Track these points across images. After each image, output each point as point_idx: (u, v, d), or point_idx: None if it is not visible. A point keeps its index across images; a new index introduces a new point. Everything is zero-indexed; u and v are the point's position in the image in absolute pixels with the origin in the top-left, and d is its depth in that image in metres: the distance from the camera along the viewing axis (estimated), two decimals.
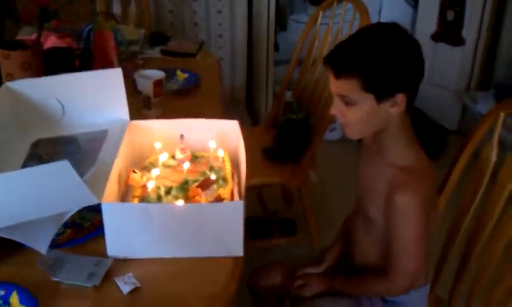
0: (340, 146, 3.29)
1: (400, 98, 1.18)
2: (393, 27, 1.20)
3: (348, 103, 1.20)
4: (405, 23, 1.30)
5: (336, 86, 1.20)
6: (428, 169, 1.27)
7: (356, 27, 2.03)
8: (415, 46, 1.20)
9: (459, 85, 3.41)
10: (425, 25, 3.39)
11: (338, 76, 1.19)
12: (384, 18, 3.69)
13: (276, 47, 3.41)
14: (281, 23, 3.49)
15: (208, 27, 3.34)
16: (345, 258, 1.48)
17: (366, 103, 1.18)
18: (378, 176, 1.28)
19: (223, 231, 1.11)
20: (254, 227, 2.42)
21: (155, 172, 1.26)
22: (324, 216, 2.50)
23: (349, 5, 2.15)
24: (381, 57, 1.16)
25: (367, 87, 1.16)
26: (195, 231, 1.10)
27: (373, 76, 1.16)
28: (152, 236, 1.09)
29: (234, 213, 1.09)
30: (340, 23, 2.18)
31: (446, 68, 3.38)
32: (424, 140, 1.30)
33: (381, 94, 1.17)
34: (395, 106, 1.19)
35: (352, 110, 1.20)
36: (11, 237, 1.07)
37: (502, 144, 1.37)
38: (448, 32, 3.36)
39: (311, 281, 1.44)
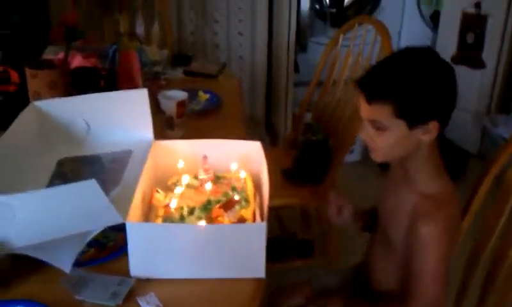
0: (358, 168, 3.29)
1: (433, 125, 1.16)
2: (427, 51, 1.19)
3: (379, 128, 1.18)
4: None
5: (367, 110, 1.19)
6: (453, 198, 1.25)
7: (377, 49, 2.05)
8: (449, 72, 1.18)
9: (480, 108, 3.39)
10: (445, 48, 3.39)
11: (370, 101, 1.17)
12: (404, 40, 3.69)
13: (296, 69, 3.43)
14: (301, 44, 3.51)
15: (229, 49, 3.37)
16: (364, 284, 1.47)
17: (397, 129, 1.17)
18: (402, 202, 1.27)
19: (246, 253, 1.11)
20: (272, 248, 2.41)
21: (178, 190, 1.27)
22: (343, 238, 2.49)
23: (370, 27, 2.16)
24: (415, 83, 1.14)
25: (400, 114, 1.15)
26: (218, 252, 1.10)
27: (406, 103, 1.14)
28: (174, 256, 1.10)
29: (257, 234, 1.09)
30: (361, 46, 2.19)
31: (466, 90, 3.35)
32: (444, 163, 1.29)
33: (414, 121, 1.16)
34: (427, 133, 1.17)
35: (383, 136, 1.19)
36: (35, 256, 1.08)
37: None
38: (469, 55, 3.35)
39: (330, 302, 1.43)
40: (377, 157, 1.25)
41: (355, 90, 1.22)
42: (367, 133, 1.22)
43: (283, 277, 1.90)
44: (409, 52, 1.22)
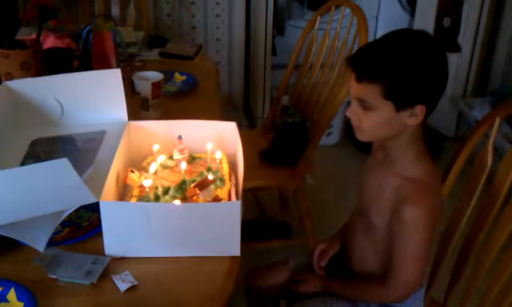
0: (336, 151, 3.32)
1: (420, 109, 1.17)
2: (421, 35, 1.19)
3: (366, 107, 1.18)
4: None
5: (356, 88, 1.19)
6: (436, 181, 1.26)
7: (353, 33, 2.06)
8: (442, 58, 1.19)
9: (455, 91, 3.43)
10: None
11: (359, 80, 1.17)
12: (381, 24, 3.71)
13: (274, 51, 3.43)
14: (278, 27, 3.51)
15: (206, 31, 3.36)
16: (342, 261, 1.49)
17: (384, 110, 1.17)
18: (384, 184, 1.27)
19: (220, 231, 1.11)
20: (250, 229, 2.42)
21: (152, 168, 1.27)
22: (320, 220, 2.51)
23: (347, 10, 2.16)
24: (406, 66, 1.14)
25: (388, 95, 1.15)
26: (192, 231, 1.10)
27: (396, 84, 1.14)
28: (149, 235, 1.10)
29: (231, 213, 1.10)
30: (337, 29, 2.19)
31: None
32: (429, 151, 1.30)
33: (401, 103, 1.16)
34: (414, 117, 1.18)
35: (369, 115, 1.19)
36: (8, 235, 1.07)
37: (496, 151, 1.38)
38: (445, 39, 3.38)
39: (308, 279, 1.44)
40: (362, 136, 1.25)
41: (347, 67, 1.22)
42: (353, 112, 1.22)
43: (262, 258, 1.91)
44: (404, 34, 1.22)
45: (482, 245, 1.34)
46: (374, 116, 1.19)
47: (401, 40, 1.19)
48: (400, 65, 1.15)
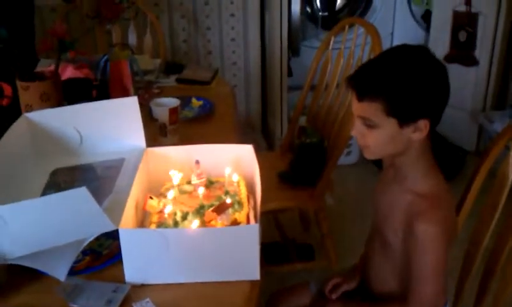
0: (356, 170, 3.30)
1: (424, 124, 1.16)
2: (420, 50, 1.19)
3: (369, 125, 1.18)
4: None
5: (358, 107, 1.19)
6: (446, 194, 1.25)
7: (367, 51, 2.06)
8: (442, 71, 1.18)
9: (475, 105, 3.40)
10: (438, 47, 3.40)
11: (361, 98, 1.17)
12: (396, 41, 3.71)
13: (290, 73, 3.44)
14: (293, 49, 3.52)
15: (222, 55, 3.39)
16: (363, 283, 1.47)
17: (388, 127, 1.17)
18: (396, 202, 1.26)
19: (239, 255, 1.11)
20: (272, 253, 2.41)
21: (170, 195, 1.28)
22: (342, 240, 2.49)
23: (361, 29, 2.17)
24: (406, 82, 1.14)
25: (390, 112, 1.15)
26: (211, 256, 1.10)
27: (397, 101, 1.14)
28: (169, 261, 1.10)
29: (250, 236, 1.09)
30: (352, 48, 2.19)
31: (461, 88, 3.37)
32: (441, 162, 1.29)
33: (404, 119, 1.16)
34: (418, 131, 1.17)
35: (373, 133, 1.19)
36: (30, 265, 1.08)
37: None
38: (462, 53, 3.36)
39: (328, 304, 1.43)
40: (368, 154, 1.25)
41: (347, 87, 1.22)
42: (358, 131, 1.22)
43: (285, 280, 1.90)
44: (401, 49, 1.21)
45: (507, 261, 1.31)
46: (378, 134, 1.19)
47: (400, 56, 1.19)
48: (400, 81, 1.14)
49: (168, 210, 1.22)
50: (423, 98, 1.15)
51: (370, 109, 1.16)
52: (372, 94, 1.15)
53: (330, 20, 3.63)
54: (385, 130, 1.18)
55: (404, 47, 1.21)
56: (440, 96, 1.18)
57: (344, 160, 2.87)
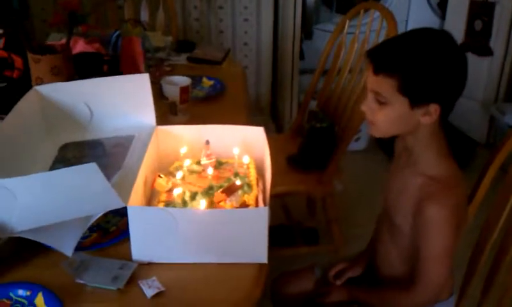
0: (365, 156, 3.28)
1: (434, 108, 1.16)
2: (444, 35, 1.18)
3: (381, 101, 1.18)
4: None
5: (373, 81, 1.19)
6: (459, 181, 1.24)
7: (382, 36, 2.03)
8: (462, 60, 1.17)
9: (487, 96, 3.36)
10: (453, 35, 3.35)
11: (377, 72, 1.17)
12: (411, 28, 3.66)
13: (302, 56, 3.41)
14: (306, 32, 3.49)
15: (234, 35, 3.36)
16: (370, 268, 1.46)
17: (398, 105, 1.17)
18: (408, 184, 1.26)
19: (248, 237, 1.10)
20: (277, 235, 2.41)
21: (179, 174, 1.27)
22: (348, 226, 2.48)
23: (376, 14, 2.13)
24: (424, 63, 1.14)
25: (404, 90, 1.15)
26: (220, 237, 1.09)
27: (412, 79, 1.14)
28: (176, 241, 1.09)
29: (259, 219, 1.08)
30: (367, 32, 2.16)
31: (474, 79, 3.28)
32: (451, 150, 1.28)
33: (416, 100, 1.16)
34: (427, 115, 1.17)
35: (383, 110, 1.19)
36: (37, 239, 1.08)
37: None
38: (476, 43, 3.32)
39: (333, 289, 1.43)
40: (374, 131, 1.25)
41: (366, 59, 1.22)
42: (368, 106, 1.22)
43: (289, 263, 1.89)
44: (425, 31, 1.21)
45: None
46: (387, 111, 1.18)
47: (422, 37, 1.19)
48: (418, 60, 1.14)
49: (177, 192, 1.21)
50: (438, 82, 1.15)
51: (385, 85, 1.16)
52: (388, 69, 1.16)
53: (344, 4, 3.59)
54: (395, 109, 1.17)
55: (428, 30, 1.21)
56: (456, 84, 1.18)
57: (353, 145, 2.84)
